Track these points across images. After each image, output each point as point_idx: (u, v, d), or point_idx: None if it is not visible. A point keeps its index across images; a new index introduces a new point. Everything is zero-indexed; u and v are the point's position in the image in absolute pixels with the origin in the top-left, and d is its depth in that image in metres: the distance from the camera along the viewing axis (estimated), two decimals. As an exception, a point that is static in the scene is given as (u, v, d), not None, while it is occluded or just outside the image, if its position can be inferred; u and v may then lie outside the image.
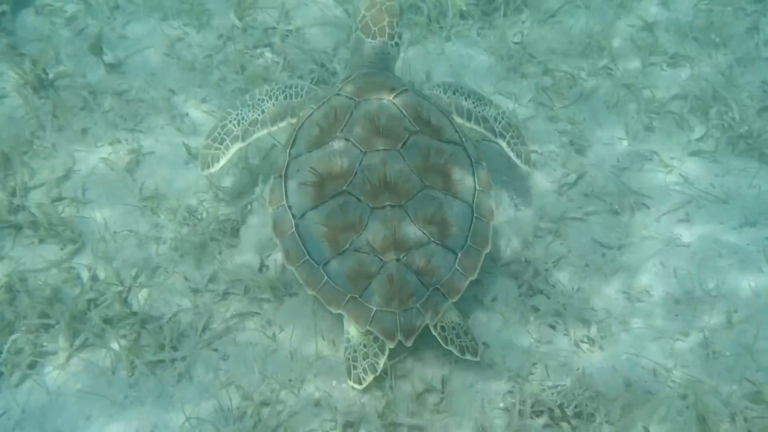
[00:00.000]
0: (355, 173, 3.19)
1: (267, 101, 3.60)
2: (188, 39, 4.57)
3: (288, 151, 3.36)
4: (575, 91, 4.26)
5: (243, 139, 3.54)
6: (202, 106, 4.19)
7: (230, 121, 3.58)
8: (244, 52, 4.43)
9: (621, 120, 4.13)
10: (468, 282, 3.15)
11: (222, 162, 3.54)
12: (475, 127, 3.61)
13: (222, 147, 3.55)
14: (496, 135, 3.62)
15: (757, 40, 4.51)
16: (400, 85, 3.47)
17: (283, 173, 3.31)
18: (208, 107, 4.17)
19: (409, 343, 2.99)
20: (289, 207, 3.23)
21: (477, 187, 3.31)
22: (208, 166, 3.54)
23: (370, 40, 3.62)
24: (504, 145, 3.62)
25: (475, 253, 3.19)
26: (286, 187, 3.28)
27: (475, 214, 3.26)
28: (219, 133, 3.56)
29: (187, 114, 4.16)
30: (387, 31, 3.60)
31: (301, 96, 3.59)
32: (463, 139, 3.40)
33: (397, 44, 3.66)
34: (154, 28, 4.63)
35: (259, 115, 3.57)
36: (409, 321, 3.03)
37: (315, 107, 3.43)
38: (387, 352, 3.01)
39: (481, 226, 3.26)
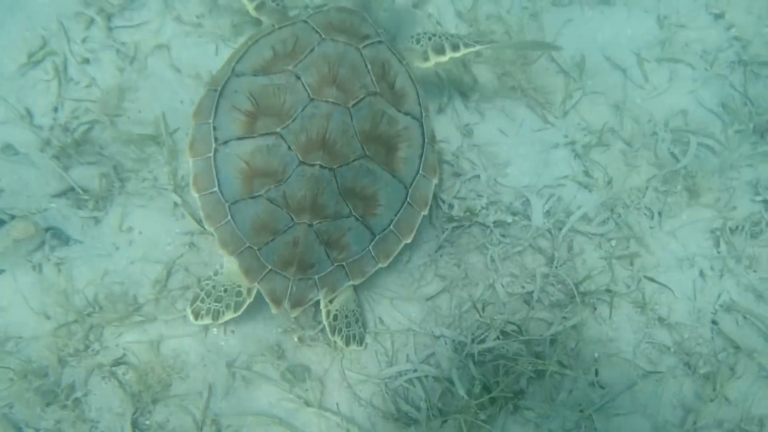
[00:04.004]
0: (294, 118, 2.91)
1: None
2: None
3: (232, 65, 3.05)
4: None
5: None
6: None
7: None
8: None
9: None
10: (376, 268, 2.95)
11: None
12: (455, 55, 3.29)
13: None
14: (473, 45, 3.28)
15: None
16: (374, 35, 3.18)
17: (220, 88, 3.00)
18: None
19: (294, 314, 2.84)
20: (214, 128, 2.94)
21: (420, 171, 3.09)
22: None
23: None
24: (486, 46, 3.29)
25: (394, 240, 2.98)
26: (218, 104, 2.97)
27: (408, 199, 3.04)
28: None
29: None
30: None
31: (279, 2, 3.32)
32: (424, 115, 3.16)
33: None
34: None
35: None
36: (302, 291, 2.83)
37: (276, 26, 3.13)
38: (240, 312, 2.85)
39: (411, 213, 3.03)
